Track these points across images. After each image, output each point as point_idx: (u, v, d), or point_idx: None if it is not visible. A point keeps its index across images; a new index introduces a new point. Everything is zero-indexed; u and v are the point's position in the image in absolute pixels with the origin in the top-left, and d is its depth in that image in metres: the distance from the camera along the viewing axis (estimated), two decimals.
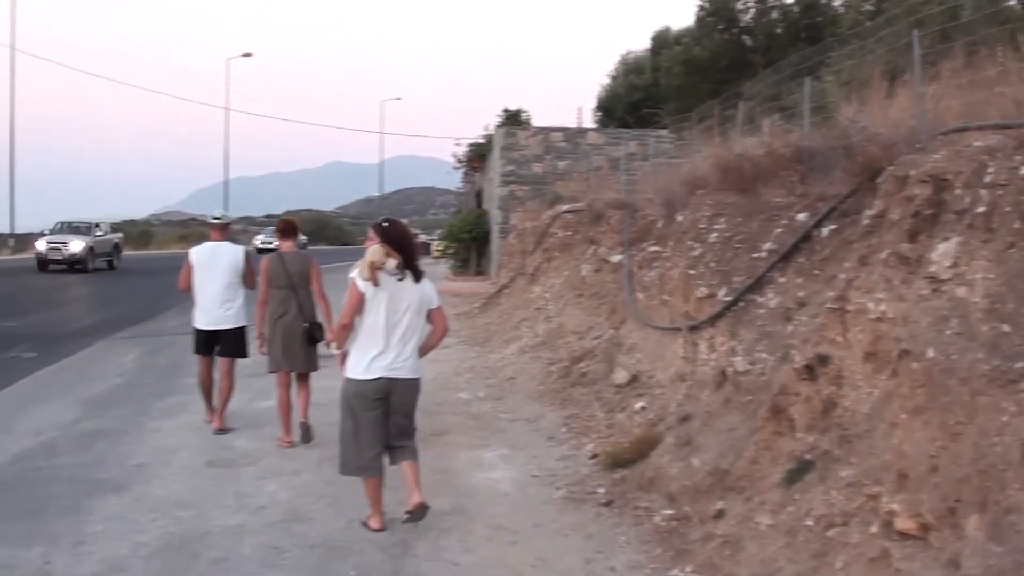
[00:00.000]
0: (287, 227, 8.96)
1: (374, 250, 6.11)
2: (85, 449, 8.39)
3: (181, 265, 9.23)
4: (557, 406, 9.59)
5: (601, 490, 6.84)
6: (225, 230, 9.40)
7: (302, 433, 8.47)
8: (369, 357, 6.09)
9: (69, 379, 12.19)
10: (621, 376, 9.12)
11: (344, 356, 6.30)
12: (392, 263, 6.06)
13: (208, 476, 7.55)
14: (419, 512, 6.05)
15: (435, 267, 35.83)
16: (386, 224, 6.31)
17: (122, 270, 36.27)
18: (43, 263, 33.94)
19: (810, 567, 4.47)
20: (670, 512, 6.06)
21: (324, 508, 6.67)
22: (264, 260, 8.72)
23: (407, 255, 6.14)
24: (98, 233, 36.18)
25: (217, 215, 9.47)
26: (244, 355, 9.34)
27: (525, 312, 15.00)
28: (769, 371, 6.31)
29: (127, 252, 42.35)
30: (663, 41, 32.94)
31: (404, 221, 6.77)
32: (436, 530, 6.15)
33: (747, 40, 27.11)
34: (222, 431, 8.98)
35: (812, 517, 4.72)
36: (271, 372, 8.77)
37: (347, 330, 6.15)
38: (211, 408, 9.33)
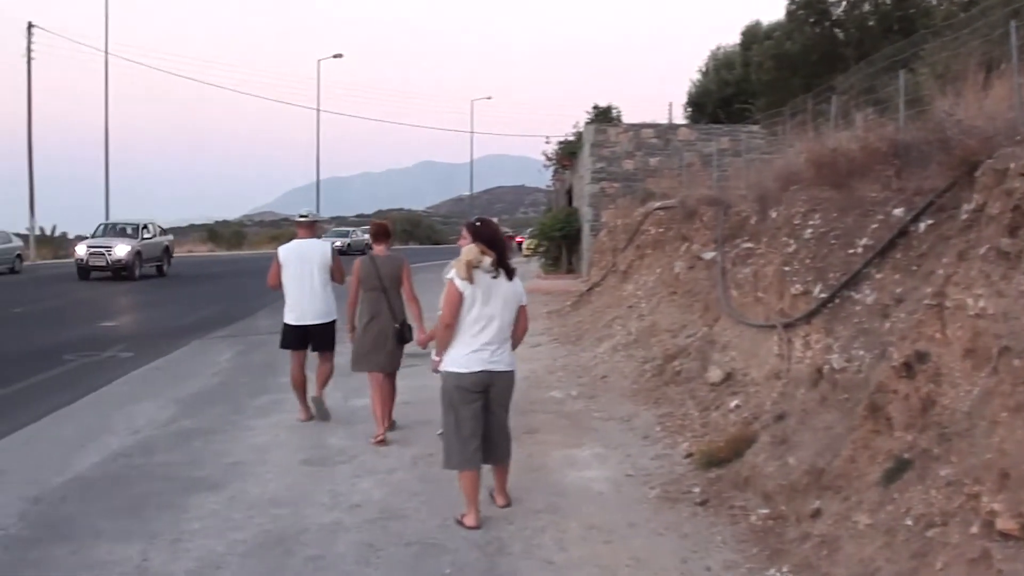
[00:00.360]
0: (380, 231, 9.14)
1: (469, 249, 6.31)
2: (181, 447, 8.61)
3: (259, 268, 9.48)
4: (651, 404, 9.56)
5: (696, 489, 6.82)
6: (312, 228, 9.68)
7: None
8: (468, 352, 6.32)
9: (165, 378, 12.52)
10: (715, 374, 9.07)
11: (439, 359, 6.50)
12: (487, 261, 6.25)
13: (303, 474, 7.68)
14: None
15: (526, 265, 35.95)
16: (479, 223, 6.54)
17: (175, 276, 34.07)
18: (84, 271, 30.88)
19: (909, 567, 4.41)
20: (766, 511, 6.03)
21: (419, 506, 6.74)
22: (356, 262, 8.96)
23: (500, 253, 6.33)
24: (146, 235, 33.17)
25: (304, 213, 9.71)
26: (331, 347, 9.60)
27: (617, 310, 14.97)
28: (866, 369, 6.23)
29: (205, 253, 42.42)
30: (754, 36, 32.55)
31: (495, 220, 6.90)
32: (530, 529, 6.20)
33: (839, 33, 26.63)
34: (321, 411, 9.51)
35: (911, 517, 4.65)
36: (355, 371, 9.05)
37: (451, 330, 6.36)
38: (306, 406, 9.60)
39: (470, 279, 6.23)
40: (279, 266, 9.41)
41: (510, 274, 6.38)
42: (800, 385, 7.20)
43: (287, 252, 9.46)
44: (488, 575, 5.47)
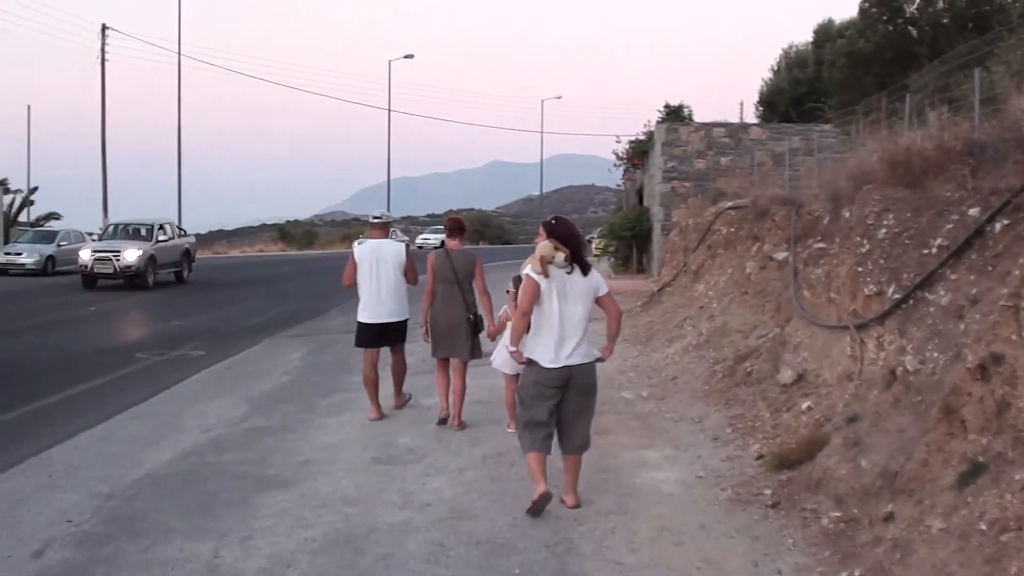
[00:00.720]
0: (455, 226, 9.60)
1: (543, 245, 6.61)
2: (253, 445, 8.75)
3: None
4: (721, 406, 9.52)
5: (767, 491, 6.78)
6: (385, 228, 9.96)
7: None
8: (547, 347, 6.61)
9: (236, 376, 12.74)
10: (787, 375, 9.01)
11: (520, 353, 6.74)
12: (560, 257, 6.52)
13: (373, 473, 7.75)
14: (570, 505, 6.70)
15: (596, 265, 35.93)
16: (554, 221, 6.85)
17: (243, 276, 34.54)
18: (89, 279, 27.66)
19: (983, 572, 4.36)
20: (838, 514, 5.99)
21: (489, 505, 6.79)
22: (431, 256, 9.44)
23: (574, 249, 6.60)
24: (161, 237, 29.19)
25: (377, 215, 10.04)
26: (403, 340, 9.94)
27: (688, 310, 14.91)
28: (940, 371, 6.15)
29: (276, 252, 42.66)
30: (826, 34, 32.20)
31: (570, 218, 7.07)
32: (600, 530, 6.22)
33: (912, 31, 26.25)
34: (401, 406, 10.04)
35: (985, 521, 4.60)
36: (434, 357, 9.57)
37: (526, 318, 6.68)
38: (377, 405, 9.78)
39: (545, 273, 6.53)
40: (354, 265, 9.61)
41: (585, 270, 6.64)
42: (873, 387, 7.13)
43: (362, 252, 9.65)
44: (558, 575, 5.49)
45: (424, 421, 9.50)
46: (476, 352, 9.37)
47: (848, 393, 7.56)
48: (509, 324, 7.65)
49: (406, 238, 45.38)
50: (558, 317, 6.56)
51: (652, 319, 16.52)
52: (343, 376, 12.31)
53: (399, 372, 10.00)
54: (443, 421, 9.27)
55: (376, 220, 9.95)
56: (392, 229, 10.06)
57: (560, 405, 6.71)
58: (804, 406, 8.14)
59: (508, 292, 8.31)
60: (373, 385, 9.74)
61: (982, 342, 5.59)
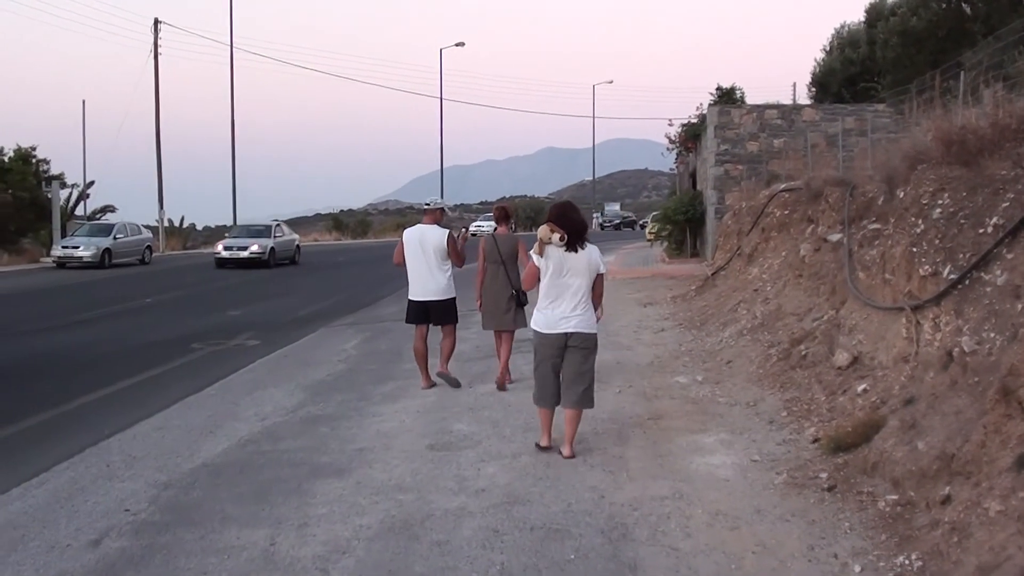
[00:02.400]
0: (500, 214, 11.08)
1: (541, 228, 7.59)
2: (308, 433, 8.85)
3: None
4: (776, 389, 9.47)
5: (823, 475, 6.75)
6: (435, 215, 10.75)
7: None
8: (547, 316, 7.70)
9: (291, 365, 12.88)
10: (842, 358, 8.94)
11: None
12: (555, 237, 7.49)
13: (428, 459, 7.80)
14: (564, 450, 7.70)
15: (649, 250, 35.75)
16: (553, 207, 7.88)
17: (301, 265, 36.46)
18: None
19: None
20: (894, 497, 5.94)
21: (543, 491, 6.81)
22: (481, 240, 10.83)
23: (568, 230, 7.51)
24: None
25: (427, 202, 10.94)
26: (454, 320, 10.82)
27: (742, 294, 14.83)
28: (997, 351, 6.08)
29: (330, 242, 43.66)
30: (878, 13, 31.74)
31: (571, 203, 8.19)
32: (656, 515, 6.22)
33: (966, 8, 25.78)
34: (450, 381, 10.73)
35: None
36: (484, 329, 11.05)
37: (530, 287, 8.10)
38: (426, 375, 10.76)
39: (540, 252, 7.59)
40: (403, 247, 10.59)
41: (580, 247, 7.55)
42: (929, 368, 7.07)
43: (409, 235, 10.65)
44: (612, 561, 5.50)
45: (478, 408, 9.56)
46: (520, 322, 10.54)
47: (904, 375, 7.50)
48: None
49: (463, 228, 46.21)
50: (556, 290, 7.61)
51: (706, 303, 16.46)
52: (398, 364, 12.41)
53: (446, 349, 10.80)
54: (502, 387, 10.46)
55: (427, 207, 10.81)
56: (446, 215, 11.06)
57: (562, 366, 7.73)
58: (860, 389, 8.08)
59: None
60: (423, 358, 10.70)
61: None
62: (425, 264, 10.46)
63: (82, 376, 12.19)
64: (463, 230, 11.31)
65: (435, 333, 10.72)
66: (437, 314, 10.59)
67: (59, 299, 23.78)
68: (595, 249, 7.69)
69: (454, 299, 10.71)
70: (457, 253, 10.57)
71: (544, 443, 7.88)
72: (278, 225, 38.55)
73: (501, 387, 10.41)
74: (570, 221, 7.59)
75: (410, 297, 10.64)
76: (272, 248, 35.09)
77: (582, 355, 7.69)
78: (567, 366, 7.71)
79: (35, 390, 11.29)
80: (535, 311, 7.80)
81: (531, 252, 7.75)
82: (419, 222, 10.84)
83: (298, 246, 38.58)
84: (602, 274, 7.73)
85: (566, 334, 7.61)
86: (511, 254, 10.58)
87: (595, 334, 7.76)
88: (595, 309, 7.79)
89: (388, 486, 7.06)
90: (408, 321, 10.75)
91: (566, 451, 7.64)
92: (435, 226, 10.62)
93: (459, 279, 10.91)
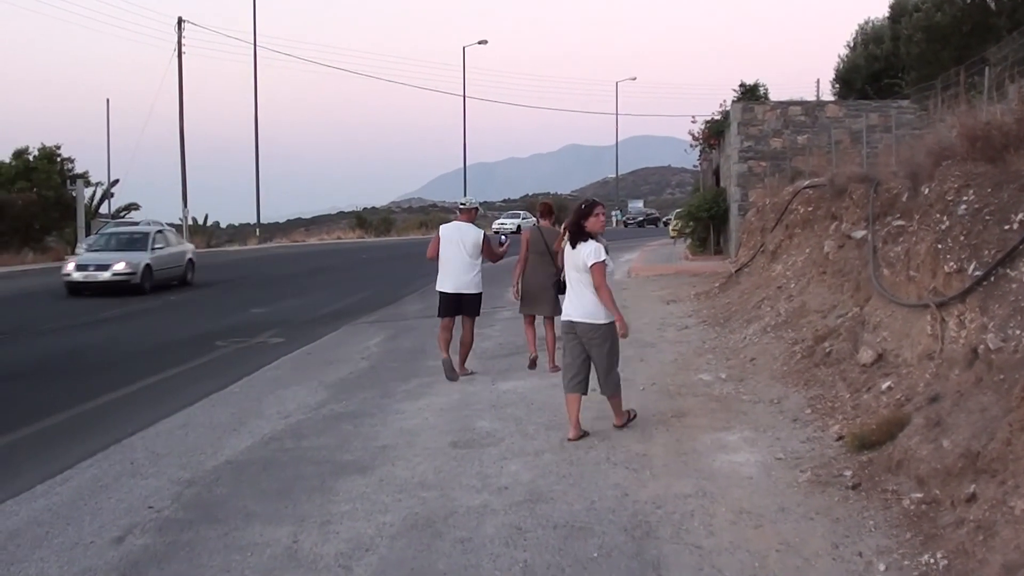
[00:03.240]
0: (545, 209, 11.95)
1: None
2: (331, 431, 8.90)
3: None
4: (800, 387, 9.44)
5: (848, 473, 6.72)
6: (470, 213, 11.59)
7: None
8: (565, 302, 8.54)
9: (315, 363, 12.94)
10: (867, 355, 8.90)
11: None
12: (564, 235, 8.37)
13: (451, 457, 7.82)
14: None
15: (672, 247, 35.65)
16: (541, 201, 9.45)
17: (322, 264, 35.15)
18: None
19: None
20: (919, 495, 5.91)
21: (566, 489, 6.81)
22: (525, 231, 11.76)
23: (568, 230, 8.32)
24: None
25: (463, 201, 11.80)
26: (478, 313, 11.59)
27: (766, 291, 14.78)
28: (1023, 349, 6.05)
29: (354, 239, 43.36)
30: (902, 8, 31.49)
31: (599, 202, 8.96)
32: (679, 513, 6.22)
33: (990, 3, 25.53)
34: (465, 373, 11.33)
35: None
36: (521, 313, 11.74)
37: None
38: (446, 352, 11.27)
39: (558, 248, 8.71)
40: (438, 241, 11.34)
41: (573, 244, 8.22)
42: (954, 366, 7.02)
43: (447, 230, 11.44)
44: (636, 559, 5.50)
45: (501, 405, 9.58)
46: (559, 309, 10.40)
47: (929, 372, 7.46)
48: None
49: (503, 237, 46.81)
50: (568, 281, 8.41)
51: (730, 300, 16.41)
52: (421, 362, 12.45)
53: (466, 341, 11.41)
54: (533, 364, 11.47)
55: (462, 206, 11.68)
56: (478, 214, 12.13)
57: (581, 353, 8.27)
58: (884, 386, 8.04)
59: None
60: (445, 343, 11.31)
61: None
62: (460, 258, 11.19)
63: (105, 374, 12.31)
64: (504, 239, 12.28)
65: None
66: (468, 306, 11.32)
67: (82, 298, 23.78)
68: (592, 244, 8.15)
69: (482, 294, 11.48)
70: (493, 251, 11.57)
71: (570, 435, 8.15)
72: (160, 232, 27.28)
73: (553, 369, 11.00)
74: (569, 221, 8.37)
75: (442, 290, 11.29)
76: (147, 265, 24.49)
77: (590, 345, 8.23)
78: (588, 353, 8.28)
79: (58, 388, 11.40)
80: None
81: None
82: (451, 219, 11.68)
83: (191, 260, 28.05)
84: (596, 265, 8.05)
85: (572, 322, 8.28)
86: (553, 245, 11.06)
87: (598, 323, 8.14)
88: (608, 309, 8.13)
89: (411, 483, 7.09)
90: (439, 315, 11.40)
91: (618, 420, 8.44)
92: (470, 224, 11.46)
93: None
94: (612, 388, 8.33)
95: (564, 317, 8.44)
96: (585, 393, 8.33)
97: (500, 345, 13.54)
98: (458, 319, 11.37)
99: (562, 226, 8.65)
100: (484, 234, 11.45)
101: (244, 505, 6.73)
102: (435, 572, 5.43)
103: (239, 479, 7.43)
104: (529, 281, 11.37)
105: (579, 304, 8.23)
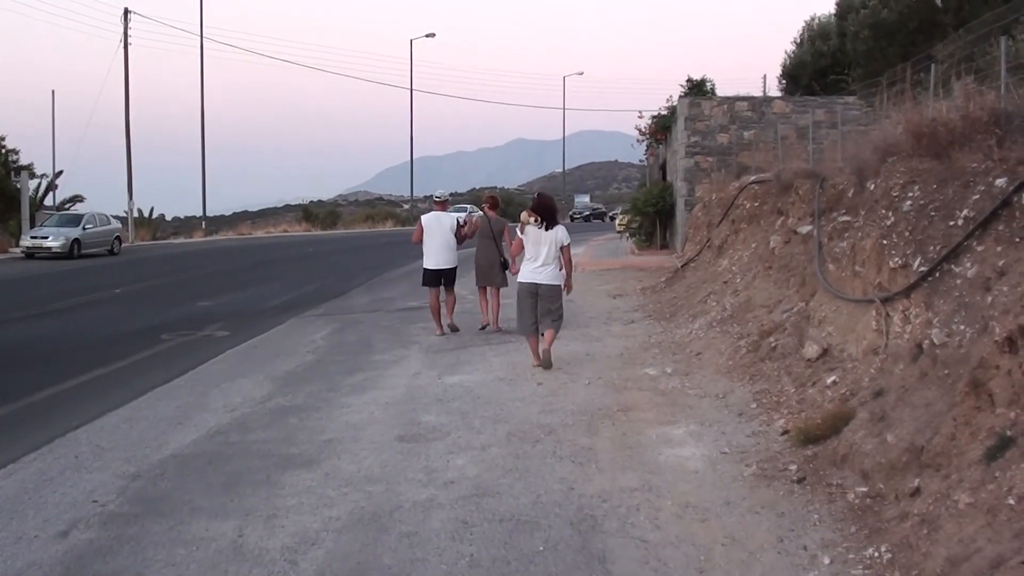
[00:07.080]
0: (493, 201, 14.72)
1: (523, 213, 11.30)
2: (277, 425, 8.80)
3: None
4: (746, 381, 9.47)
5: (793, 467, 6.74)
6: (444, 205, 14.66)
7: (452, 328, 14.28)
8: (525, 270, 11.27)
9: (261, 356, 12.78)
10: (812, 350, 8.94)
11: (516, 271, 12.07)
12: (531, 219, 11.09)
13: (398, 451, 7.76)
14: (544, 362, 11.01)
15: (619, 242, 35.75)
16: (534, 199, 11.77)
17: (270, 257, 35.81)
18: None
19: (1012, 547, 4.30)
20: (864, 489, 5.94)
21: (513, 483, 6.78)
22: (475, 219, 14.92)
23: (541, 215, 11.13)
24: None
25: (438, 195, 14.99)
26: (453, 282, 14.44)
27: (712, 286, 14.85)
28: (967, 344, 6.08)
29: (300, 233, 43.38)
30: (849, 5, 31.80)
31: (546, 194, 12.41)
32: (625, 507, 6.20)
33: (937, 1, 25.89)
34: (453, 328, 14.24)
35: (1014, 496, 4.54)
36: (477, 285, 14.65)
37: (516, 253, 12.01)
38: (440, 325, 14.16)
39: (521, 231, 11.28)
40: (422, 228, 14.13)
41: (550, 226, 11.09)
42: (899, 361, 7.07)
43: (429, 219, 14.25)
44: (582, 553, 5.47)
45: (448, 399, 9.52)
46: (504, 282, 14.25)
47: (874, 367, 7.50)
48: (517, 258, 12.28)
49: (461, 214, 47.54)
50: (531, 254, 11.17)
51: (676, 295, 16.48)
52: (367, 355, 12.36)
53: (450, 302, 14.45)
54: (484, 327, 14.30)
55: (437, 198, 14.88)
56: (450, 204, 15.26)
57: (537, 307, 11.06)
58: (829, 381, 8.09)
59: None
60: (436, 312, 14.21)
61: (1010, 314, 5.52)
62: (442, 240, 14.07)
63: (50, 367, 12.08)
64: (474, 216, 15.15)
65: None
66: (448, 278, 14.26)
67: (28, 289, 23.63)
68: (562, 228, 11.26)
69: (457, 267, 14.43)
70: (463, 233, 14.37)
71: (534, 362, 11.14)
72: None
73: (496, 330, 14.06)
74: (543, 208, 11.25)
75: (427, 266, 14.21)
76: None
77: (549, 299, 11.10)
78: (540, 306, 11.10)
79: (3, 381, 11.14)
80: (520, 267, 11.48)
81: (516, 229, 11.61)
82: (431, 210, 14.65)
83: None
84: (566, 245, 11.25)
85: (536, 283, 11.07)
86: (500, 231, 14.21)
87: (558, 285, 11.24)
88: (566, 275, 11.33)
89: (357, 477, 7.02)
90: (424, 284, 14.39)
91: (546, 343, 11.12)
92: (446, 212, 14.51)
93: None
94: (558, 326, 11.29)
95: (529, 280, 11.09)
96: (539, 334, 11.13)
97: (446, 339, 13.52)
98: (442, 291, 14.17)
99: (523, 215, 11.25)
100: (456, 219, 14.53)
101: (189, 499, 6.62)
102: (381, 566, 5.37)
103: (184, 473, 7.31)
104: (480, 260, 14.27)
105: (545, 272, 11.09)
